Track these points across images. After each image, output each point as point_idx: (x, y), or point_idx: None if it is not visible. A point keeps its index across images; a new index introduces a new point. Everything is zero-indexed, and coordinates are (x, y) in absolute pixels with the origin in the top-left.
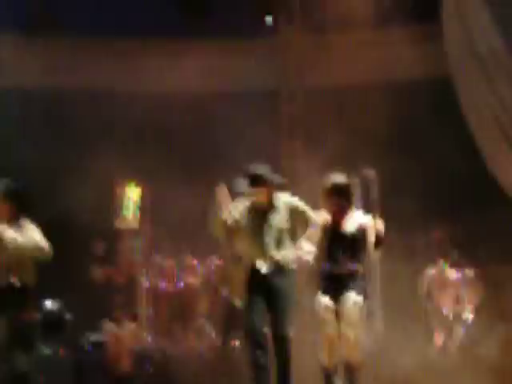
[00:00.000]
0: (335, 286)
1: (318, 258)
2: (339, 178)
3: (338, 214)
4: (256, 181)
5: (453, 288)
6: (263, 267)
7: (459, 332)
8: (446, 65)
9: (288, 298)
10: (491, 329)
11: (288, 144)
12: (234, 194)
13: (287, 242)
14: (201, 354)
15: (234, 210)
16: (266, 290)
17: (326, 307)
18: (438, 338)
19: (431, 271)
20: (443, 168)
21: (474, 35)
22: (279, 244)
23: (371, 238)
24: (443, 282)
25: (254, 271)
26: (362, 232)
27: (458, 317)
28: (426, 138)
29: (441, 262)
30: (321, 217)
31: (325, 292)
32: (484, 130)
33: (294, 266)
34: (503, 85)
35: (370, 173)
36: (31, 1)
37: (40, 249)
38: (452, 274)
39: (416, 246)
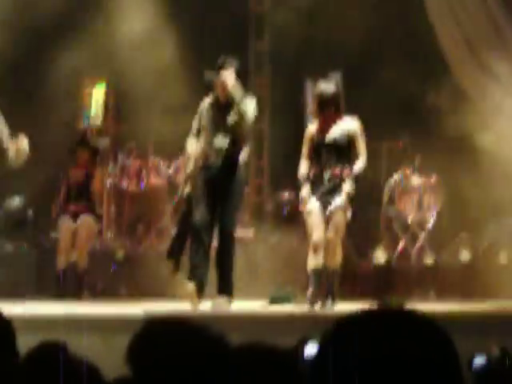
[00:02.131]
0: (322, 190)
1: (307, 166)
2: (327, 86)
3: (324, 123)
4: (224, 64)
5: (415, 194)
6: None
7: (421, 238)
8: None
9: (236, 195)
10: (452, 234)
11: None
12: (207, 87)
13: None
14: (161, 254)
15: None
16: (215, 186)
17: (315, 211)
18: (401, 244)
19: (394, 178)
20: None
21: None
22: (234, 141)
23: (359, 144)
24: (406, 189)
25: (205, 167)
26: (344, 138)
27: (420, 223)
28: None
29: (403, 168)
30: (308, 130)
31: (313, 196)
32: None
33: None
34: None
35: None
36: None
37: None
38: (414, 180)
39: (380, 153)
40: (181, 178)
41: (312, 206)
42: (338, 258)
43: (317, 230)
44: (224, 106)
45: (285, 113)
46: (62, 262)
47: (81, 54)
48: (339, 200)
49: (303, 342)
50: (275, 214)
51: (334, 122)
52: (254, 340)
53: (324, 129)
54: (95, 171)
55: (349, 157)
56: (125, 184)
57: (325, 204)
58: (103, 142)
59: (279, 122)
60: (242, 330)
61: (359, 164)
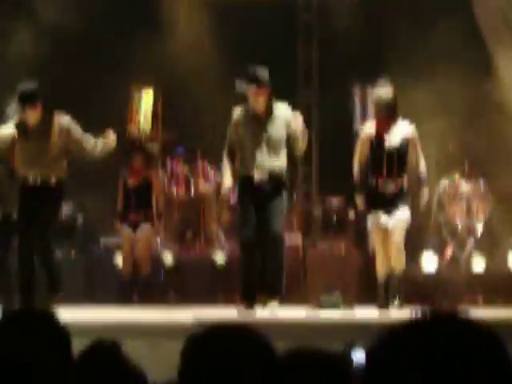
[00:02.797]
0: (383, 202)
1: (363, 173)
2: (384, 91)
3: (382, 128)
4: (255, 81)
5: (464, 201)
6: (257, 177)
7: (470, 244)
8: None
9: (281, 203)
10: (501, 240)
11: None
12: (238, 95)
13: (282, 152)
14: (211, 261)
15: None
16: (260, 202)
17: (378, 224)
18: (449, 250)
19: (443, 183)
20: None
21: None
22: (275, 155)
23: (417, 149)
24: (455, 195)
25: (248, 181)
26: (404, 144)
27: (468, 229)
28: None
29: (453, 174)
30: (364, 134)
31: (375, 208)
32: None
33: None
34: None
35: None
36: None
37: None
38: (463, 186)
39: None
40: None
41: (375, 219)
42: (402, 265)
43: (380, 244)
44: (263, 119)
45: (333, 119)
46: (125, 271)
47: (131, 62)
48: (403, 213)
49: (350, 348)
50: (323, 220)
51: (391, 126)
52: (302, 345)
53: (382, 134)
54: (152, 178)
55: (406, 163)
56: (174, 190)
57: (388, 214)
58: (153, 148)
59: (327, 129)
60: (290, 336)
61: (423, 171)
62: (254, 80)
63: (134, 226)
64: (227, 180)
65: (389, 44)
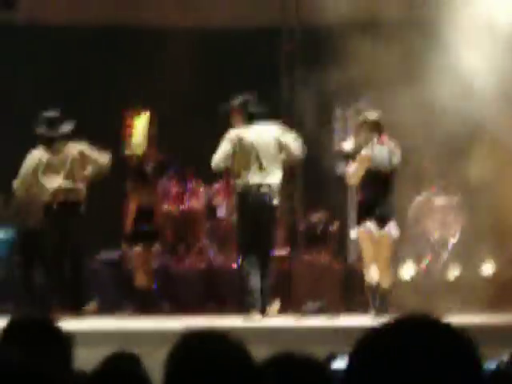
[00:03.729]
0: (373, 214)
1: (356, 189)
2: (370, 113)
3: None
4: (233, 105)
5: (439, 214)
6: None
7: (444, 256)
8: None
9: (274, 223)
10: (474, 251)
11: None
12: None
13: (276, 170)
14: (202, 272)
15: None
16: (257, 212)
17: (367, 234)
18: (424, 262)
19: (419, 198)
20: None
21: None
22: (268, 171)
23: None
24: (430, 209)
25: (246, 195)
26: (391, 162)
27: (443, 241)
28: None
29: (428, 189)
30: (362, 154)
31: (367, 217)
32: None
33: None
34: None
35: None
36: None
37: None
38: (438, 201)
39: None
40: (218, 201)
41: (367, 230)
42: (389, 277)
43: (370, 255)
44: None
45: (315, 139)
46: (141, 281)
47: (125, 88)
48: (393, 228)
49: (332, 356)
50: (308, 233)
51: (377, 147)
52: (288, 351)
53: (371, 155)
54: (153, 197)
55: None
56: (167, 207)
57: (379, 227)
58: (147, 168)
59: (310, 150)
60: (276, 342)
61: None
62: (233, 104)
63: (145, 242)
64: None
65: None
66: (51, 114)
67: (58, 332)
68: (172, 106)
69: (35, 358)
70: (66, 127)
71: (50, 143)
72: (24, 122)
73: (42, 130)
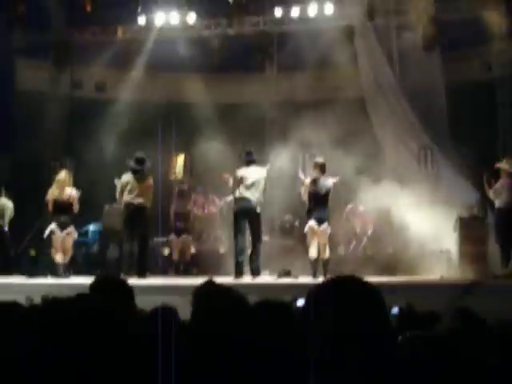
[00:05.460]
0: (316, 217)
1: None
2: (319, 158)
3: (316, 180)
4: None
5: (361, 216)
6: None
7: (364, 241)
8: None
9: (260, 221)
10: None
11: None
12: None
13: (261, 190)
14: (215, 252)
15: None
16: (247, 217)
17: (312, 228)
18: (353, 243)
19: (349, 206)
20: None
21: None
22: (257, 191)
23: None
24: (355, 213)
25: (240, 204)
26: (327, 190)
27: (363, 232)
28: None
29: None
30: (306, 182)
31: (312, 218)
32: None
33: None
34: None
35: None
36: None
37: None
38: (360, 208)
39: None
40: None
41: (311, 225)
42: (326, 254)
43: (313, 240)
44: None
45: (283, 174)
46: (176, 256)
47: (173, 141)
48: (326, 226)
49: (295, 299)
50: (281, 227)
51: (320, 178)
52: (268, 298)
53: (316, 183)
54: (188, 204)
55: (328, 199)
56: (195, 211)
57: (318, 224)
58: (184, 187)
59: (281, 179)
60: (261, 293)
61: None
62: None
63: (179, 234)
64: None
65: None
66: (139, 154)
67: (126, 286)
68: (199, 152)
69: (111, 303)
70: (147, 165)
71: (136, 173)
72: (116, 161)
73: (132, 164)
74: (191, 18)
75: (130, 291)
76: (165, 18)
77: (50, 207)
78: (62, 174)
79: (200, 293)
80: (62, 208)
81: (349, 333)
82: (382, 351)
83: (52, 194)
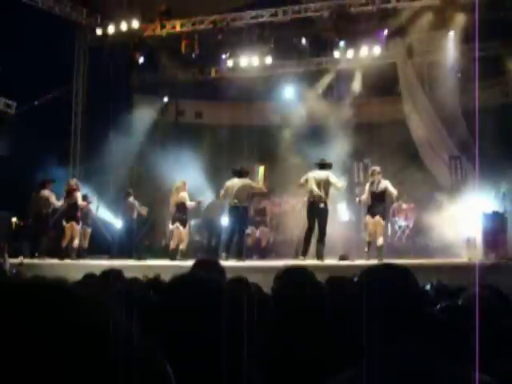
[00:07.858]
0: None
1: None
2: (375, 167)
3: (373, 182)
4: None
5: (404, 211)
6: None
7: (408, 229)
8: None
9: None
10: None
11: None
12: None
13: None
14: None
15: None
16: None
17: (368, 220)
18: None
19: (395, 203)
20: None
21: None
22: (325, 190)
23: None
24: (399, 209)
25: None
26: (382, 191)
27: (407, 224)
28: None
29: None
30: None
31: (368, 213)
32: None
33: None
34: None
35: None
36: None
37: None
38: (403, 205)
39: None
40: (296, 206)
41: (367, 218)
42: (380, 239)
43: (367, 229)
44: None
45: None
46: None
47: (254, 154)
48: (378, 217)
49: (354, 277)
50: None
51: (375, 181)
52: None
53: (373, 185)
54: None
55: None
56: (273, 208)
57: (372, 217)
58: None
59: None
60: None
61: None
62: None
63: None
64: None
65: None
66: (237, 168)
67: (219, 266)
68: (276, 162)
69: (211, 275)
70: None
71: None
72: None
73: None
74: (268, 60)
75: (222, 270)
76: (247, 61)
77: (171, 208)
78: (178, 183)
79: (283, 272)
80: (180, 207)
81: (394, 305)
82: (423, 318)
83: (172, 198)
